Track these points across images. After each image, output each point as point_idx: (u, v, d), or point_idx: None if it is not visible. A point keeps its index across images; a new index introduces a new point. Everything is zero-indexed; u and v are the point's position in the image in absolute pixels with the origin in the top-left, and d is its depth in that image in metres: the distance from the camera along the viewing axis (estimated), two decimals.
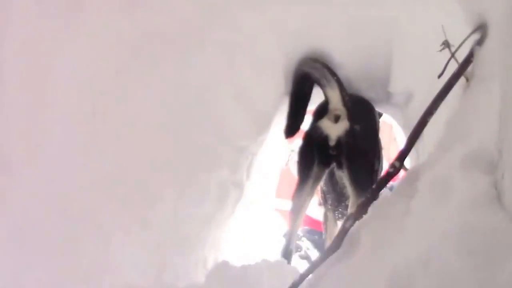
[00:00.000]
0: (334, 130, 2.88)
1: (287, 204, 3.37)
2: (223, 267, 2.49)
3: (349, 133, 2.86)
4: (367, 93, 3.10)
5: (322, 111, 2.95)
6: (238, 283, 2.37)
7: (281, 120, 3.11)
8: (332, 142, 2.88)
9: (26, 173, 2.17)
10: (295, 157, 3.53)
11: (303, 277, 1.81)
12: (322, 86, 2.85)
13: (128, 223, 2.48)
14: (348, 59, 2.92)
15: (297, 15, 2.74)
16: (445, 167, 1.48)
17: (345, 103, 2.84)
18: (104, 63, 2.35)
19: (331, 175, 3.17)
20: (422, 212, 1.49)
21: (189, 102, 2.64)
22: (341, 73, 2.89)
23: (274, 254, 3.19)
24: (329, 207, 3.71)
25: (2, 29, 2.09)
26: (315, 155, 2.98)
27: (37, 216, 2.17)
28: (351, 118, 2.86)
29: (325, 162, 2.98)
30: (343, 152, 2.88)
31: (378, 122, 3.30)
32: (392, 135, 3.98)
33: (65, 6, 2.21)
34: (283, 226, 4.41)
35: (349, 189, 2.94)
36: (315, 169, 3.00)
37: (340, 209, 3.57)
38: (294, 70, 2.97)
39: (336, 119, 2.88)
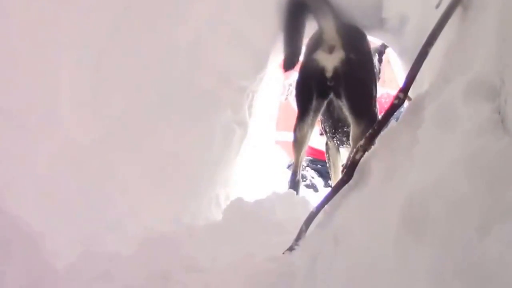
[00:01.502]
0: (330, 61, 2.89)
1: (288, 136, 3.44)
2: (237, 204, 2.60)
3: (345, 62, 2.86)
4: (360, 21, 3.09)
5: (316, 43, 2.95)
6: (253, 217, 2.46)
7: (277, 56, 3.13)
8: (329, 73, 2.89)
9: (45, 131, 2.24)
10: (293, 91, 3.55)
11: (318, 209, 1.91)
12: (315, 16, 2.84)
13: (142, 170, 2.56)
14: None
15: None
16: (449, 96, 1.52)
17: (339, 33, 2.85)
18: (99, 25, 2.40)
19: (328, 104, 3.16)
20: (429, 140, 1.54)
21: (187, 49, 2.67)
22: (333, 1, 2.88)
23: (282, 186, 3.30)
24: (328, 135, 3.77)
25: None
26: (313, 87, 2.99)
27: (59, 173, 2.26)
28: (346, 47, 2.87)
29: (323, 94, 2.99)
30: (341, 82, 2.89)
31: (370, 48, 3.30)
32: (385, 58, 3.99)
33: None
34: (286, 158, 4.53)
35: (349, 118, 2.98)
36: (314, 101, 3.02)
37: (338, 136, 3.59)
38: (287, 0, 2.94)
39: (331, 49, 2.88)
